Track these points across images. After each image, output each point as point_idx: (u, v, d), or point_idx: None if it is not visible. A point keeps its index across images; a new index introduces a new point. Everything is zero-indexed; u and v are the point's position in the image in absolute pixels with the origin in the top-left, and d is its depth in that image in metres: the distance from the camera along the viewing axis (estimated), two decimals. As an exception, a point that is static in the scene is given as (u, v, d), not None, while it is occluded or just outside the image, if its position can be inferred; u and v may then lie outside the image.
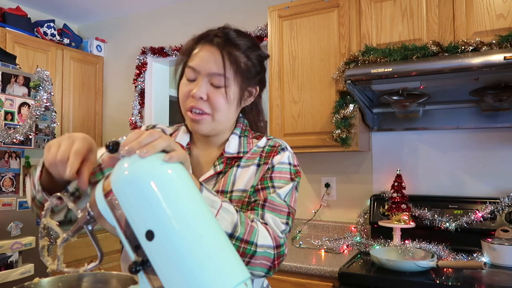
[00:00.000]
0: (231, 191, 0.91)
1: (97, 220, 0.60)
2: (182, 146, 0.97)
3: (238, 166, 0.95)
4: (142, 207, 0.51)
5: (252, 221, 0.81)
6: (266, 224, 0.85)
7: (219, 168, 0.94)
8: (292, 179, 0.93)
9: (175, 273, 0.49)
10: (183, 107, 0.95)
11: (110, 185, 0.54)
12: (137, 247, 0.52)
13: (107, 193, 0.55)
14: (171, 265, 0.49)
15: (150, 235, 0.50)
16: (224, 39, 0.93)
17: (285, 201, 0.89)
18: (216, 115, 0.92)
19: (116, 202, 0.53)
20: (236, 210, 0.78)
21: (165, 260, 0.49)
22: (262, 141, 1.00)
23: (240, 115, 1.04)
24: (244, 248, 0.77)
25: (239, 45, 0.94)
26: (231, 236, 0.75)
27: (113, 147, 0.56)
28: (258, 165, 0.95)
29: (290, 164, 0.95)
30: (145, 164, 0.53)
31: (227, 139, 0.99)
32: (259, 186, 0.91)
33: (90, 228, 0.61)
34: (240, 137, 0.99)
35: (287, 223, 0.88)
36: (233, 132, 0.99)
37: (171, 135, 1.05)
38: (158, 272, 0.50)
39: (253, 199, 0.89)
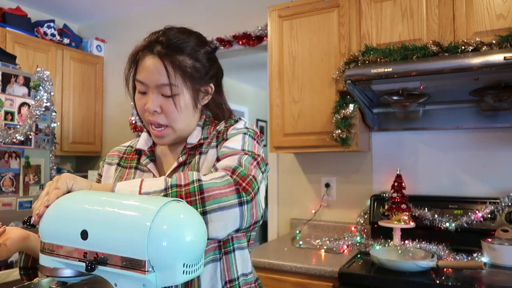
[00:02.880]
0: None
1: None
2: (144, 151, 1.00)
3: (200, 153, 0.95)
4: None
5: None
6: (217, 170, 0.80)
7: (181, 159, 0.94)
8: (243, 131, 0.92)
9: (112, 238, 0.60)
10: (143, 120, 0.96)
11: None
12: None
13: None
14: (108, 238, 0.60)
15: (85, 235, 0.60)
16: (165, 46, 0.91)
17: (240, 149, 0.86)
18: (174, 125, 0.93)
19: None
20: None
21: (102, 243, 0.60)
22: (221, 125, 1.00)
23: (202, 108, 1.03)
24: (187, 189, 0.71)
25: (183, 48, 0.92)
26: (166, 189, 0.72)
27: (30, 223, 0.68)
28: (217, 146, 0.95)
29: (245, 128, 0.94)
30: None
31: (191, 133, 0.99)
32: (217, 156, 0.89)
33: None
34: (202, 128, 1.00)
35: (242, 156, 0.83)
36: (197, 124, 1.00)
37: (132, 147, 1.06)
38: (103, 250, 0.59)
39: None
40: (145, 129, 1.05)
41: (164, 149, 1.03)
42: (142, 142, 1.03)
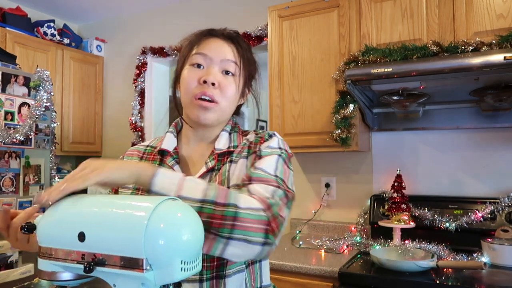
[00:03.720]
0: (227, 188, 0.90)
1: None
2: (169, 152, 0.97)
3: (231, 161, 0.94)
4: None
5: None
6: (252, 194, 0.79)
7: (210, 164, 0.93)
8: (277, 152, 0.91)
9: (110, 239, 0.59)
10: (188, 94, 0.92)
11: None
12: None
13: None
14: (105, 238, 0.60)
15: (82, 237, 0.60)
16: (230, 33, 0.96)
17: (275, 175, 0.85)
18: (223, 103, 0.92)
19: None
20: (209, 183, 0.76)
21: (100, 244, 0.60)
22: (251, 135, 0.99)
23: None
24: (222, 210, 0.71)
25: (244, 41, 0.98)
26: (202, 201, 0.71)
27: (28, 229, 0.66)
28: (247, 157, 0.94)
29: (279, 148, 0.93)
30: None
31: (216, 137, 0.98)
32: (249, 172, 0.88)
33: None
34: (230, 133, 0.99)
35: (277, 187, 0.82)
36: (223, 129, 0.99)
37: (153, 147, 1.03)
38: (100, 250, 0.60)
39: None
40: (168, 130, 1.03)
41: (190, 151, 1.00)
42: (167, 142, 0.99)
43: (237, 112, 1.06)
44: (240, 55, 0.94)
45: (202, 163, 0.95)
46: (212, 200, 0.72)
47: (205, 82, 0.89)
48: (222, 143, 0.96)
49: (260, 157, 0.90)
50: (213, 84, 0.89)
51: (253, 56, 1.01)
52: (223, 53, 0.92)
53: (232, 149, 0.95)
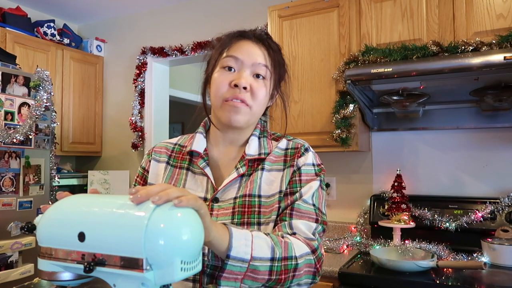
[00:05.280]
0: (259, 195, 0.90)
1: None
2: (199, 153, 0.96)
3: (262, 169, 0.93)
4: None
5: (282, 237, 0.82)
6: (295, 233, 0.85)
7: (241, 170, 0.93)
8: (317, 178, 0.94)
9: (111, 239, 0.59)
10: (219, 98, 0.92)
11: None
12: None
13: None
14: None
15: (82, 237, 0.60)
16: (262, 37, 0.96)
17: (313, 204, 0.89)
18: (254, 106, 0.92)
19: None
20: (266, 234, 0.80)
21: (100, 243, 0.60)
22: (283, 143, 0.99)
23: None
24: (286, 265, 0.78)
25: (274, 43, 0.98)
26: (272, 259, 0.76)
27: (28, 229, 0.66)
28: (284, 169, 0.94)
29: (314, 165, 0.95)
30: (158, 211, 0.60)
31: (247, 140, 0.98)
32: (288, 191, 0.91)
33: None
34: (259, 138, 0.99)
35: (317, 225, 0.88)
36: (252, 133, 0.98)
37: (181, 146, 1.03)
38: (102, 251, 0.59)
39: (282, 206, 0.89)
40: (197, 130, 1.02)
41: (219, 153, 0.99)
42: (198, 143, 0.98)
43: (265, 113, 1.05)
44: (271, 58, 0.94)
45: (232, 167, 0.95)
46: (280, 257, 0.77)
47: (236, 86, 0.89)
48: (252, 149, 0.95)
49: (299, 174, 0.92)
50: (244, 88, 0.89)
51: (283, 58, 1.00)
52: (254, 56, 0.91)
53: (263, 156, 0.95)
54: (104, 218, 0.60)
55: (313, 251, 0.83)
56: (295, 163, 0.94)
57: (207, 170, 0.94)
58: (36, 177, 2.45)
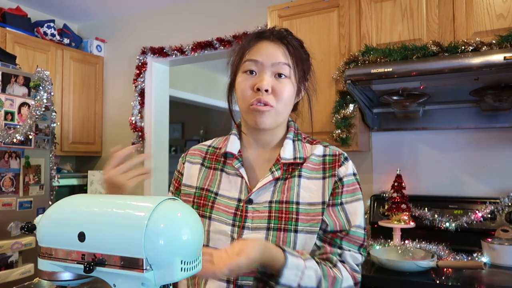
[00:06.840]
0: (297, 203, 0.91)
1: None
2: (234, 155, 0.98)
3: (300, 176, 0.93)
4: None
5: (334, 266, 0.88)
6: (343, 262, 0.90)
7: (277, 174, 0.93)
8: (359, 191, 0.96)
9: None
10: (245, 102, 0.93)
11: None
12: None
13: None
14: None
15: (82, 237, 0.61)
16: (281, 35, 0.95)
17: (364, 228, 0.94)
18: (279, 106, 0.92)
19: None
20: (317, 262, 0.85)
21: (100, 243, 0.60)
22: (319, 150, 0.98)
23: (289, 118, 1.03)
24: None
25: (295, 38, 0.97)
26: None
27: (28, 229, 0.66)
28: (323, 177, 0.94)
29: (354, 174, 0.96)
30: None
31: (279, 142, 0.98)
32: (331, 202, 0.92)
33: None
34: (294, 141, 0.98)
35: (361, 255, 0.94)
36: (286, 137, 0.98)
37: (215, 148, 1.04)
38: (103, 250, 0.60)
39: (330, 225, 0.91)
40: (232, 132, 1.03)
41: (253, 154, 1.00)
42: (232, 145, 0.99)
43: (295, 108, 1.05)
44: (292, 55, 0.93)
45: (265, 169, 0.96)
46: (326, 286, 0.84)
47: (258, 89, 0.90)
48: (287, 153, 0.95)
49: (342, 186, 0.94)
50: (266, 90, 0.90)
51: (306, 52, 1.00)
52: (274, 56, 0.91)
53: (298, 160, 0.95)
54: (104, 218, 0.60)
55: (356, 284, 0.90)
56: (336, 173, 0.94)
57: (242, 171, 0.95)
58: (36, 177, 2.45)
